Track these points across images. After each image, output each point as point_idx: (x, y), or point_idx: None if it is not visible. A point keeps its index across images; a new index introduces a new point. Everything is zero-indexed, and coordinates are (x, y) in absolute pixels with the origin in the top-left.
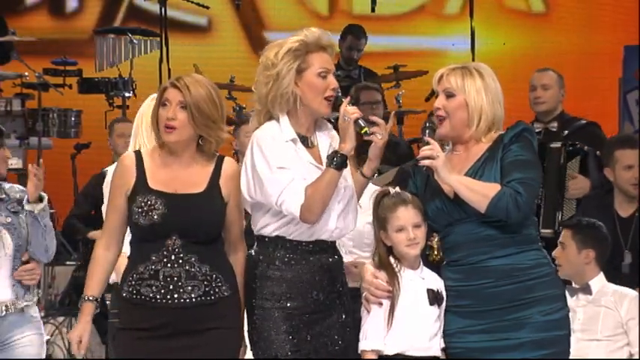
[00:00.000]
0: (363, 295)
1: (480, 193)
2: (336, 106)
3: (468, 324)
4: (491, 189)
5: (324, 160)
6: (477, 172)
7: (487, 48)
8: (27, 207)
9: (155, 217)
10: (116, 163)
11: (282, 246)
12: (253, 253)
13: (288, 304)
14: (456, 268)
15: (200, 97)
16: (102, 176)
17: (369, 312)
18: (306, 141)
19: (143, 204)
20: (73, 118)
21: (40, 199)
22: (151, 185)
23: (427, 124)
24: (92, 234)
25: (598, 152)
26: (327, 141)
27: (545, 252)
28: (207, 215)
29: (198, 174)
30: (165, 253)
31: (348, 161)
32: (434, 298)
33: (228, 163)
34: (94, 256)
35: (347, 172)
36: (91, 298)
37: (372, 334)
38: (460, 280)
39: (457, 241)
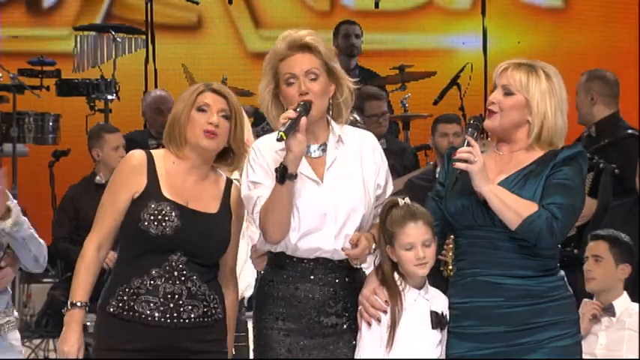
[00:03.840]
0: (359, 308)
1: (514, 211)
2: (305, 113)
3: (471, 347)
4: (527, 208)
5: (328, 172)
6: (517, 181)
7: (500, 47)
8: None
9: (167, 228)
10: (124, 158)
11: (284, 263)
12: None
13: (285, 325)
14: (462, 282)
15: (239, 107)
16: (81, 185)
17: (359, 329)
18: (307, 150)
19: (156, 212)
20: (50, 123)
21: (8, 213)
22: (164, 193)
23: (472, 121)
24: None
25: (617, 170)
26: (335, 152)
27: (564, 273)
28: (218, 239)
29: (210, 192)
30: (167, 268)
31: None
32: (437, 321)
33: (235, 187)
34: (83, 257)
35: (351, 191)
36: (80, 304)
37: (366, 354)
38: (466, 297)
39: (472, 246)
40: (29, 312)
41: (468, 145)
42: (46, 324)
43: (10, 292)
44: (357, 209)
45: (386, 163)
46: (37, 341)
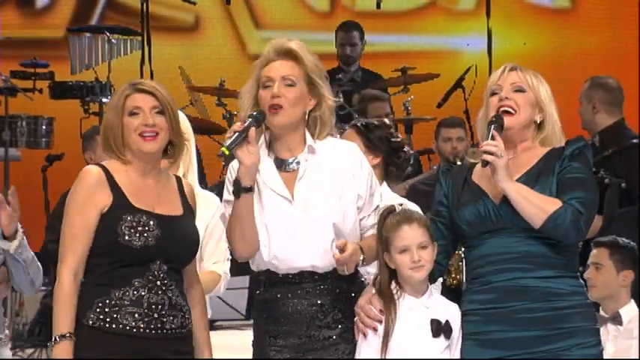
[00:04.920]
0: (355, 319)
1: (539, 207)
2: (255, 123)
3: (494, 354)
4: (552, 204)
5: (297, 186)
6: (530, 180)
7: (505, 48)
8: (1, 244)
9: (150, 238)
10: (79, 177)
11: (270, 280)
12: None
13: (279, 342)
14: (482, 288)
15: (170, 98)
16: None
17: (356, 340)
18: (283, 165)
19: (134, 223)
20: (44, 127)
21: (15, 235)
22: (133, 203)
23: (494, 118)
24: None
25: (624, 184)
26: (305, 165)
27: (583, 281)
28: (191, 240)
29: (168, 194)
30: (150, 277)
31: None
32: (438, 329)
33: (186, 183)
34: (62, 287)
35: (323, 203)
36: (68, 335)
37: None
38: (487, 302)
39: (490, 252)
40: (22, 321)
41: (493, 139)
42: (39, 333)
43: (2, 309)
44: (329, 221)
45: (367, 171)
46: (29, 351)
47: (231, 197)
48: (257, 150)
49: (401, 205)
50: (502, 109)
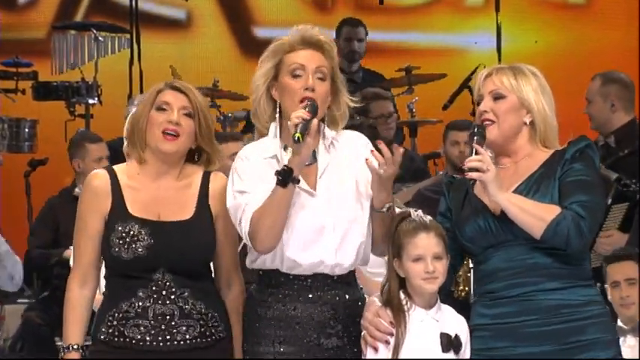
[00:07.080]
0: (362, 334)
1: (536, 216)
2: (313, 111)
3: None
4: (550, 211)
5: (320, 181)
6: (530, 188)
7: (516, 46)
8: None
9: (140, 249)
10: (85, 182)
11: (277, 281)
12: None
13: (283, 349)
14: (493, 302)
15: (205, 103)
16: (61, 197)
17: (364, 355)
18: None
19: (124, 234)
20: (26, 130)
21: None
22: (131, 211)
23: (476, 130)
24: (69, 252)
25: None
26: (327, 158)
27: (598, 290)
28: (198, 246)
29: (184, 195)
30: (154, 288)
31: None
32: (448, 343)
33: (217, 177)
34: (68, 298)
35: (347, 199)
36: (75, 347)
37: None
38: (497, 317)
39: (498, 267)
40: (2, 335)
41: (477, 153)
42: (21, 348)
43: None
44: (357, 218)
45: None
46: None
47: (244, 187)
48: (312, 143)
49: (416, 210)
50: (483, 123)
